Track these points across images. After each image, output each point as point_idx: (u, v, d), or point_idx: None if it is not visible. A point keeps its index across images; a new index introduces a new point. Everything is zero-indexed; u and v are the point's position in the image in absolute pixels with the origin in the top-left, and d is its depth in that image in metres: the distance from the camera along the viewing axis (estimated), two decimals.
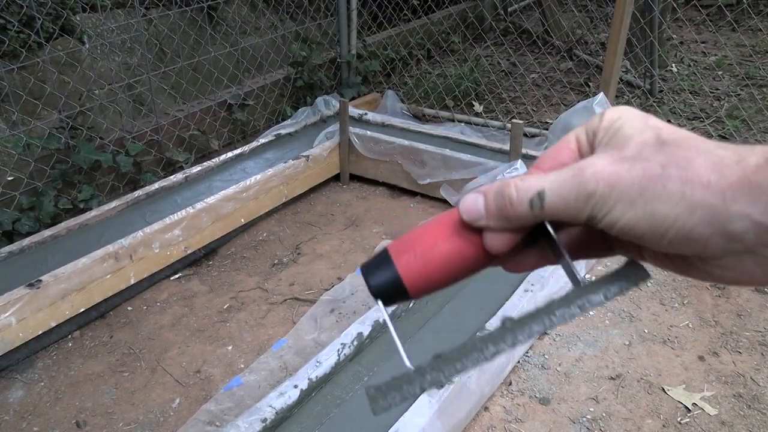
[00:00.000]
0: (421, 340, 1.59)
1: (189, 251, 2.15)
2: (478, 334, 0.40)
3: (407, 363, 0.40)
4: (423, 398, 1.36)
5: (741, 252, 0.32)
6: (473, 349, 0.39)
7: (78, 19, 2.67)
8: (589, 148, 0.37)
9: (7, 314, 1.67)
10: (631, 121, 0.35)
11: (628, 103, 3.32)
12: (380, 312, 0.42)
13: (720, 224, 0.31)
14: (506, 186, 0.36)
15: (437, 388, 0.34)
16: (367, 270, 0.41)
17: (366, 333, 1.55)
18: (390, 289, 0.40)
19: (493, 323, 0.37)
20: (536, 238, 0.39)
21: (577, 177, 0.34)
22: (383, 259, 0.40)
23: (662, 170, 0.32)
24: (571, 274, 0.40)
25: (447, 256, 0.39)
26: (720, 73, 3.84)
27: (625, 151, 0.34)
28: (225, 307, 2.02)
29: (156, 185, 2.31)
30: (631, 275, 0.37)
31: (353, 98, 3.48)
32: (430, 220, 0.41)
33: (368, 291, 0.41)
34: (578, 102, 2.68)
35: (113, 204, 2.18)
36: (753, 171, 0.31)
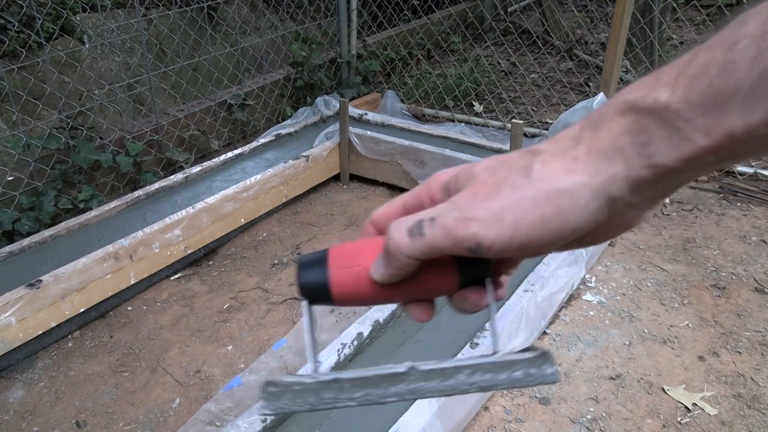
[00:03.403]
0: (421, 340, 1.59)
1: (189, 251, 2.15)
2: (381, 372, 0.41)
3: (312, 370, 0.40)
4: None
5: (622, 208, 0.34)
6: (373, 385, 0.38)
7: (78, 19, 2.67)
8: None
9: (7, 314, 1.67)
10: (464, 171, 0.37)
11: None
12: (304, 312, 0.42)
13: (602, 193, 0.33)
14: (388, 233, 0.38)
15: (326, 408, 0.35)
16: (302, 266, 0.41)
17: (366, 333, 1.55)
18: (316, 292, 0.41)
19: (399, 366, 0.37)
20: (473, 281, 0.40)
21: (447, 209, 0.35)
22: (320, 260, 0.41)
23: (525, 178, 0.34)
24: (493, 334, 0.41)
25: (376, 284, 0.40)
26: None
27: (476, 185, 0.35)
28: (225, 307, 2.02)
29: (156, 185, 2.31)
30: (537, 369, 0.38)
31: (353, 98, 3.48)
32: (377, 237, 0.41)
33: (297, 287, 0.41)
34: (578, 102, 2.68)
35: (113, 204, 2.18)
36: (592, 146, 0.33)
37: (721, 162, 0.31)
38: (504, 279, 0.42)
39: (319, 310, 1.94)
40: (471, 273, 0.39)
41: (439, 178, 0.39)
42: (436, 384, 0.38)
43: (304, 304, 0.42)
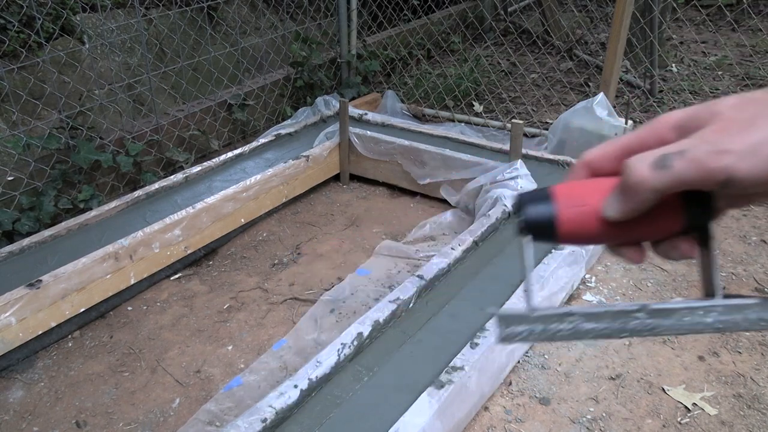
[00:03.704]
0: (420, 340, 1.59)
1: (189, 251, 2.15)
2: (612, 308, 0.42)
3: (539, 304, 0.41)
4: (423, 398, 1.36)
5: None
6: (608, 319, 0.39)
7: (78, 19, 2.67)
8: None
9: (7, 314, 1.67)
10: (704, 110, 0.37)
11: (628, 103, 3.33)
12: (525, 248, 0.42)
13: None
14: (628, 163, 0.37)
15: (565, 338, 0.36)
16: (526, 201, 0.41)
17: (366, 333, 1.55)
18: (542, 228, 0.41)
19: (630, 305, 0.38)
20: (687, 231, 0.40)
21: (702, 142, 0.35)
22: (544, 196, 0.41)
23: None
24: (708, 282, 0.40)
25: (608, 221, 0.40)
26: (720, 73, 3.84)
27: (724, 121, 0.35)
28: (225, 307, 2.02)
29: (156, 185, 2.31)
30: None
31: (353, 98, 3.48)
32: (605, 178, 0.41)
33: (518, 223, 0.41)
34: (578, 102, 2.68)
35: (113, 204, 2.18)
36: None
37: None
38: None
39: (319, 310, 1.94)
40: (696, 215, 0.39)
41: (668, 119, 0.38)
42: (671, 322, 0.38)
43: (527, 239, 0.42)
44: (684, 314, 0.38)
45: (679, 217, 0.39)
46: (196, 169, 2.44)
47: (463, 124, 3.24)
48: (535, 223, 0.41)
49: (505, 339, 0.40)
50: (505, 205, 2.11)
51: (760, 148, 0.33)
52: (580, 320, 0.39)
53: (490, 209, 2.14)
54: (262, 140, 2.71)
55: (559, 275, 1.85)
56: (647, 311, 0.39)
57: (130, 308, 2.02)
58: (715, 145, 0.34)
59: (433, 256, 1.92)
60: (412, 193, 2.66)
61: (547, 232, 0.41)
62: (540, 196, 0.41)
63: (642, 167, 0.36)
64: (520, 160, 2.29)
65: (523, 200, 0.41)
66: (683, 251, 0.40)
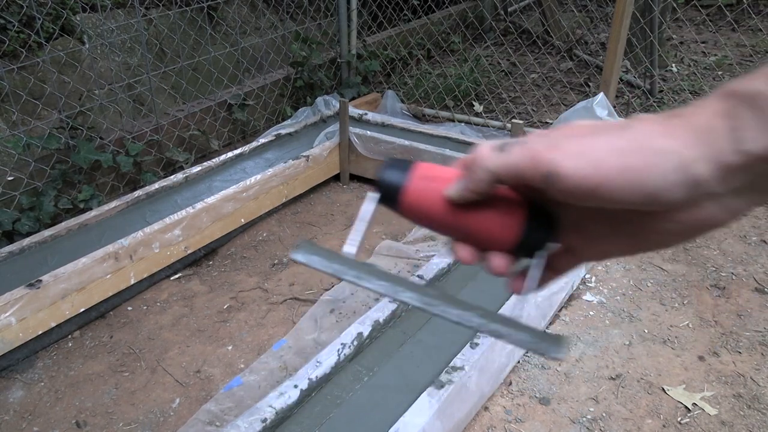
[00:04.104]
0: (420, 340, 1.59)
1: (189, 251, 2.15)
2: (411, 278, 0.45)
3: (351, 250, 0.44)
4: (423, 398, 1.36)
5: (702, 198, 0.33)
6: (394, 283, 0.42)
7: (78, 19, 2.67)
8: None
9: (7, 314, 1.67)
10: (563, 124, 0.39)
11: (628, 103, 3.33)
12: (367, 200, 0.44)
13: (688, 169, 0.32)
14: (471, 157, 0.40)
15: (349, 282, 0.40)
16: (388, 165, 0.43)
17: (366, 333, 1.55)
18: (389, 192, 0.43)
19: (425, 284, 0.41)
20: (527, 247, 0.41)
21: (534, 143, 0.37)
22: (405, 166, 0.43)
23: (622, 131, 0.35)
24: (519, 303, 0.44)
25: (450, 206, 0.42)
26: (720, 73, 3.84)
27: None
28: (225, 307, 2.02)
29: (156, 185, 2.31)
30: (545, 343, 0.40)
31: (353, 98, 3.48)
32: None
33: (376, 180, 0.43)
34: (578, 102, 2.68)
35: (113, 204, 2.18)
36: (690, 121, 0.33)
37: None
38: (552, 277, 0.44)
39: (319, 310, 1.94)
40: (533, 231, 0.40)
41: (540, 132, 0.40)
42: (451, 309, 0.41)
43: (373, 195, 0.44)
44: (465, 308, 0.41)
45: (517, 225, 0.41)
46: (196, 169, 2.44)
47: (463, 124, 3.24)
48: (386, 185, 0.43)
49: (299, 260, 0.43)
50: None
51: (588, 152, 0.34)
52: (366, 274, 0.42)
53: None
54: (262, 140, 2.71)
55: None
56: (439, 293, 0.41)
57: (130, 308, 2.02)
58: (552, 141, 0.36)
59: (433, 256, 1.92)
60: None
61: (392, 196, 0.43)
62: (402, 164, 0.43)
63: (484, 148, 0.38)
64: None
65: (386, 163, 0.43)
66: (494, 265, 0.42)
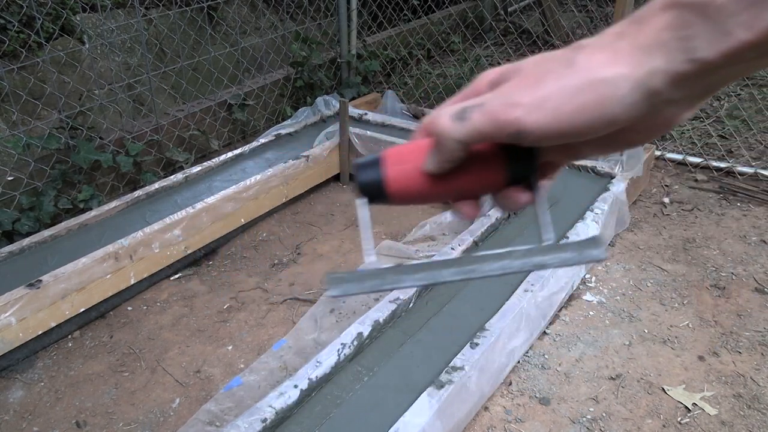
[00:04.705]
0: (421, 340, 1.59)
1: (189, 251, 2.15)
2: (438, 258, 0.45)
3: (372, 259, 0.44)
4: (423, 398, 1.36)
5: (661, 105, 0.35)
6: (429, 269, 0.42)
7: (78, 19, 2.67)
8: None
9: (7, 314, 1.67)
10: (511, 67, 0.39)
11: None
12: (359, 210, 0.44)
13: (643, 86, 0.33)
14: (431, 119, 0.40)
15: (388, 291, 0.42)
16: (359, 166, 0.44)
17: (366, 333, 1.55)
18: (373, 190, 0.43)
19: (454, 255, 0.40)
20: (520, 177, 0.42)
21: (494, 97, 0.37)
22: (376, 161, 0.43)
23: (568, 69, 0.35)
24: (540, 227, 0.43)
25: (433, 178, 0.42)
26: None
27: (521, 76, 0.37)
28: (225, 307, 2.02)
29: (156, 185, 2.31)
30: (586, 250, 0.41)
31: (353, 98, 3.48)
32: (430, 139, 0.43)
33: (355, 186, 0.44)
34: None
35: (113, 204, 2.18)
36: (635, 40, 0.34)
37: (761, 58, 0.32)
38: (545, 183, 0.44)
39: (319, 310, 1.94)
40: (518, 168, 0.41)
41: (485, 76, 0.41)
42: (490, 265, 0.41)
43: (363, 201, 0.44)
44: (502, 257, 0.41)
45: (501, 171, 0.42)
46: (196, 169, 2.44)
47: None
48: (367, 186, 0.43)
49: (336, 295, 0.42)
50: None
51: (545, 103, 0.35)
52: (400, 275, 0.42)
53: (490, 209, 2.14)
54: (262, 140, 2.71)
55: (559, 275, 1.85)
56: (471, 258, 0.41)
57: (130, 308, 2.02)
58: (508, 98, 0.36)
59: (433, 256, 1.92)
60: None
61: (378, 193, 0.43)
62: (371, 161, 0.43)
63: (444, 120, 0.38)
64: None
65: (357, 166, 0.44)
66: (518, 200, 0.42)
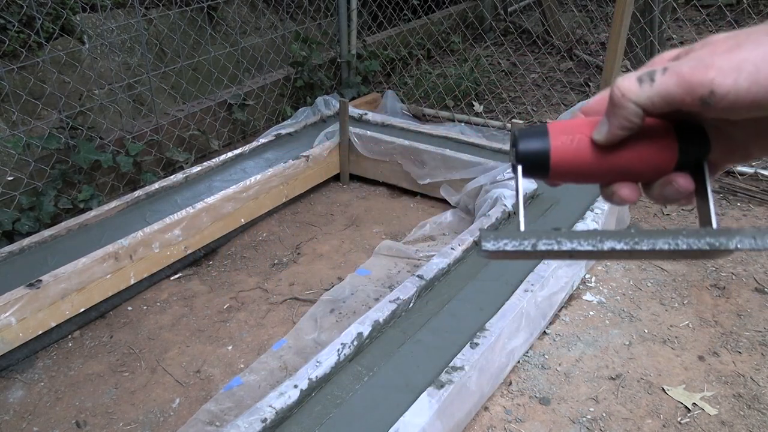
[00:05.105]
0: (420, 340, 1.59)
1: (189, 251, 2.15)
2: (599, 229, 0.42)
3: (523, 227, 0.41)
4: (423, 398, 1.36)
5: None
6: (591, 237, 0.39)
7: (78, 19, 2.67)
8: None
9: (7, 314, 1.67)
10: (699, 42, 0.36)
11: None
12: (515, 179, 0.42)
13: None
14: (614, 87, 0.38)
15: (546, 256, 0.37)
16: (521, 134, 0.42)
17: (366, 333, 1.55)
18: (535, 159, 0.41)
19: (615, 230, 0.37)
20: (686, 164, 0.40)
21: (684, 62, 0.35)
22: (540, 131, 0.41)
23: (765, 35, 0.33)
24: (705, 215, 0.40)
25: (600, 150, 0.40)
26: None
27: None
28: (225, 307, 2.02)
29: (156, 185, 2.31)
30: (762, 236, 0.37)
31: (353, 98, 3.48)
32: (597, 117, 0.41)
33: (513, 155, 0.42)
34: (578, 102, 2.68)
35: (113, 204, 2.18)
36: None
37: None
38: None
39: (320, 310, 1.94)
40: (691, 150, 0.39)
41: (667, 55, 0.39)
42: (657, 239, 0.38)
43: (519, 168, 0.42)
44: (672, 235, 0.38)
45: (673, 151, 0.40)
46: (196, 169, 2.44)
47: (463, 124, 3.24)
48: (529, 156, 0.41)
49: (490, 249, 0.40)
50: (505, 205, 2.11)
51: (744, 65, 0.33)
52: (559, 237, 0.39)
53: (490, 209, 2.14)
54: (262, 140, 2.71)
55: (559, 275, 1.85)
56: (637, 233, 0.39)
57: (130, 308, 2.02)
58: (701, 61, 0.34)
59: (433, 256, 1.92)
60: (412, 193, 2.66)
61: (539, 163, 0.41)
62: (536, 130, 0.42)
63: (627, 81, 0.36)
64: None
65: (519, 134, 0.42)
66: (680, 185, 0.40)
